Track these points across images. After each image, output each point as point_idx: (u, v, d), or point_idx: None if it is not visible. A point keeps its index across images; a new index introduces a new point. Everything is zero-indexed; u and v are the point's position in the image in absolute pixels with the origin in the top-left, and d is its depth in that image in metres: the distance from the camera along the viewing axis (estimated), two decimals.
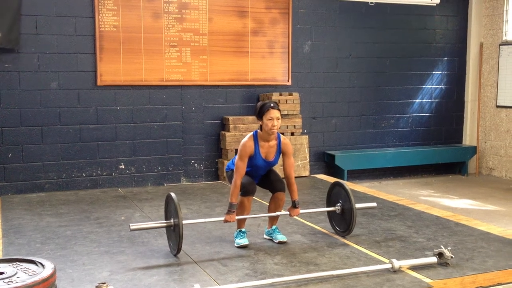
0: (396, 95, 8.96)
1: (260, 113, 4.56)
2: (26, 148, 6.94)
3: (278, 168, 5.17)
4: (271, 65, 8.03)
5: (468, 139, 9.48)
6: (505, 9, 8.88)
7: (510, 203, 7.21)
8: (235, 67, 7.80)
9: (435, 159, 9.01)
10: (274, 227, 4.84)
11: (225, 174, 4.99)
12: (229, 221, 4.54)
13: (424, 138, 9.25)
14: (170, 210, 4.49)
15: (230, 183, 4.62)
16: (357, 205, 4.85)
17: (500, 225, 5.73)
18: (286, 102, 7.91)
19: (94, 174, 7.26)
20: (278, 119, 4.52)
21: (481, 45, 9.29)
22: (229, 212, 4.51)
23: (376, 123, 8.89)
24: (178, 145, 7.65)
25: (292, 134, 8.01)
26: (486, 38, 9.23)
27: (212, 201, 6.45)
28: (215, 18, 7.66)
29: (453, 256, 4.13)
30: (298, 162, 7.97)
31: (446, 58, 9.26)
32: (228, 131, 7.65)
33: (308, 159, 8.07)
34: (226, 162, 7.59)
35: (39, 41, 6.89)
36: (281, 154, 4.69)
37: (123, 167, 7.39)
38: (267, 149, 4.61)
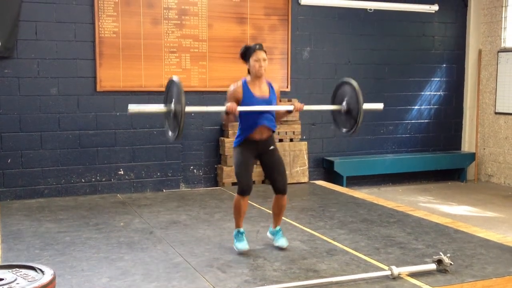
0: (395, 102, 8.98)
1: (246, 55, 4.57)
2: (25, 153, 6.94)
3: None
4: (270, 71, 8.03)
5: (467, 145, 9.50)
6: (503, 16, 8.92)
7: (509, 210, 7.22)
8: (235, 73, 7.80)
9: (434, 165, 9.02)
10: (278, 228, 4.82)
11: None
12: (231, 111, 4.39)
13: (423, 145, 9.27)
14: (171, 95, 4.30)
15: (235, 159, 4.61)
16: (364, 105, 4.63)
17: (499, 232, 5.73)
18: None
19: (93, 180, 7.26)
20: (265, 60, 4.54)
21: (480, 52, 9.32)
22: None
23: (375, 130, 8.90)
24: (177, 151, 7.65)
25: (291, 140, 8.02)
26: (485, 45, 9.26)
27: (211, 207, 6.45)
28: (215, 24, 7.68)
29: (452, 263, 4.13)
30: (297, 168, 7.97)
31: (444, 65, 9.28)
32: (227, 137, 7.65)
33: (307, 165, 8.08)
34: (225, 168, 7.60)
35: (38, 47, 6.90)
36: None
37: (122, 173, 7.39)
38: (260, 89, 4.57)
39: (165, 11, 7.42)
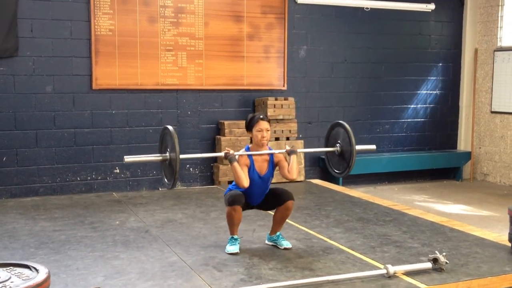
0: (391, 101, 8.98)
1: (249, 126, 4.58)
2: (20, 152, 6.92)
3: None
4: (266, 70, 8.04)
5: (463, 144, 9.51)
6: (499, 15, 8.93)
7: (504, 209, 7.22)
8: (231, 71, 7.81)
9: (429, 164, 9.03)
10: (278, 233, 4.81)
11: (223, 198, 4.84)
12: (228, 153, 4.44)
13: (419, 144, 9.28)
14: (166, 143, 4.40)
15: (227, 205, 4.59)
16: (357, 147, 4.76)
17: (495, 231, 5.74)
18: (282, 107, 7.92)
19: (89, 178, 7.24)
20: (268, 130, 4.53)
21: (476, 51, 9.33)
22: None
23: (371, 128, 8.91)
24: None
25: (288, 138, 8.01)
26: (481, 44, 9.27)
27: (207, 205, 6.44)
28: (211, 22, 7.67)
29: (448, 262, 4.13)
30: None
31: (441, 64, 9.29)
32: (224, 135, 7.64)
33: (303, 164, 8.08)
34: (221, 167, 7.59)
35: (34, 45, 6.87)
36: (275, 166, 4.65)
37: (118, 171, 7.38)
38: (260, 163, 4.59)
39: (161, 9, 7.40)
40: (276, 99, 7.88)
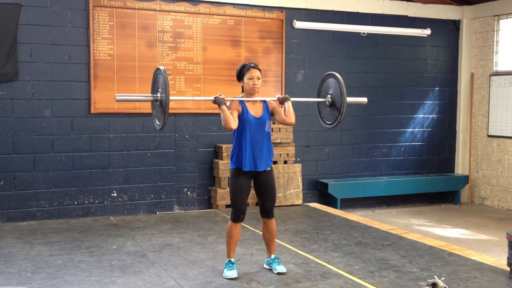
0: (389, 124, 9.02)
1: (240, 74, 4.65)
2: (18, 175, 6.91)
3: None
4: (264, 94, 8.06)
5: (460, 168, 9.53)
6: (495, 40, 9.02)
7: (502, 233, 7.21)
8: (229, 95, 7.78)
9: (427, 188, 9.03)
10: (273, 256, 4.80)
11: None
12: (219, 97, 4.49)
13: (417, 167, 9.29)
14: (158, 84, 4.41)
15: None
16: (348, 98, 4.74)
17: (493, 255, 5.72)
18: (280, 131, 7.95)
19: (86, 202, 7.22)
20: (259, 78, 4.61)
21: (472, 75, 9.40)
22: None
23: (369, 152, 8.93)
24: (171, 173, 7.63)
25: (285, 162, 8.02)
26: (477, 69, 9.35)
27: (205, 229, 6.42)
28: (209, 47, 7.73)
29: (447, 287, 4.11)
30: (291, 191, 7.96)
31: (437, 88, 9.36)
32: (221, 159, 7.65)
33: (301, 187, 8.07)
34: (219, 190, 7.58)
35: (33, 69, 6.91)
36: (271, 113, 4.68)
37: (115, 195, 7.36)
38: (254, 108, 4.61)
39: (160, 34, 7.46)
40: (273, 123, 7.91)
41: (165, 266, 4.92)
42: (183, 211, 7.63)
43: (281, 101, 4.70)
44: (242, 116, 4.55)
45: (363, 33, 8.68)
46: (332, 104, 4.86)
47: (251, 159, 4.55)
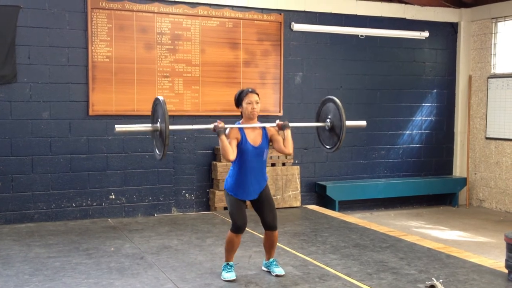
0: (387, 127, 9.03)
1: (239, 100, 4.64)
2: (16, 177, 6.90)
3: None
4: (262, 96, 8.00)
5: (458, 170, 9.53)
6: (493, 42, 9.04)
7: (500, 235, 7.21)
8: (227, 97, 7.84)
9: (425, 190, 9.04)
10: (271, 259, 4.79)
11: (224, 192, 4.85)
12: (218, 125, 4.48)
13: (415, 169, 9.29)
14: (157, 114, 4.42)
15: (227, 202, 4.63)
16: (347, 122, 4.75)
17: (492, 257, 5.72)
18: (278, 133, 7.93)
19: (84, 204, 7.21)
20: (257, 102, 4.60)
21: (470, 78, 9.42)
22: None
23: (367, 154, 8.93)
24: (169, 175, 7.63)
25: (284, 164, 8.02)
26: (475, 71, 9.37)
27: (203, 231, 6.41)
28: (208, 49, 7.73)
29: None
30: (289, 193, 7.96)
31: (435, 90, 9.37)
32: (220, 161, 7.65)
33: (299, 189, 8.07)
34: (217, 192, 7.58)
35: (31, 71, 6.90)
36: (270, 140, 4.67)
37: (113, 197, 7.35)
38: (253, 136, 4.59)
39: (158, 36, 7.47)
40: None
41: (163, 268, 4.92)
42: (181, 213, 7.62)
43: (281, 128, 4.68)
44: (241, 145, 4.54)
45: (361, 36, 8.69)
46: (332, 129, 4.86)
47: (248, 191, 4.56)
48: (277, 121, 4.73)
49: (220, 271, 4.74)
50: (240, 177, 4.54)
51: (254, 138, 4.59)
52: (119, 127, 4.43)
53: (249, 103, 4.57)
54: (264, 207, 4.62)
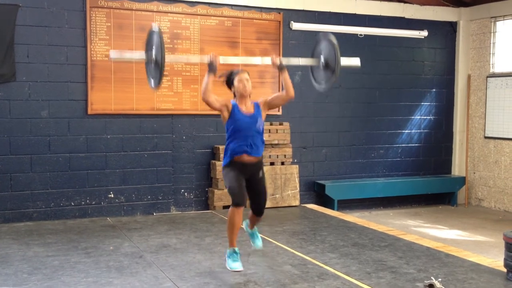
0: (386, 126, 9.03)
1: (230, 80, 4.77)
2: (14, 176, 6.89)
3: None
4: (261, 95, 8.04)
5: (457, 169, 9.54)
6: (492, 42, 9.04)
7: (499, 234, 7.21)
8: (226, 96, 7.82)
9: (424, 189, 9.04)
10: (255, 229, 5.01)
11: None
12: (214, 59, 4.58)
13: (414, 169, 9.30)
14: (151, 44, 4.46)
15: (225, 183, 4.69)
16: (342, 59, 4.74)
17: (490, 256, 5.73)
18: (277, 132, 7.95)
19: (83, 203, 7.20)
20: (248, 80, 4.71)
21: (469, 77, 9.42)
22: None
23: (366, 153, 8.93)
24: (168, 174, 7.63)
25: (283, 163, 8.02)
26: (474, 70, 9.37)
27: (202, 230, 6.41)
28: (207, 48, 7.72)
29: None
30: (288, 192, 7.96)
31: (434, 90, 9.37)
32: (219, 160, 7.64)
33: (298, 188, 8.07)
34: (217, 191, 7.58)
35: (30, 70, 6.90)
36: (268, 107, 4.80)
37: (112, 196, 7.35)
38: (246, 108, 4.70)
39: None
40: (271, 124, 7.92)
41: (162, 267, 4.92)
42: (180, 212, 7.62)
43: (277, 67, 4.78)
44: (234, 115, 4.63)
45: (361, 35, 8.69)
46: (326, 65, 4.85)
47: (244, 146, 4.62)
48: (273, 57, 4.80)
49: (220, 269, 4.74)
50: (236, 139, 4.62)
51: (246, 110, 4.71)
52: (114, 54, 4.47)
53: (240, 81, 4.68)
54: (256, 194, 4.75)
